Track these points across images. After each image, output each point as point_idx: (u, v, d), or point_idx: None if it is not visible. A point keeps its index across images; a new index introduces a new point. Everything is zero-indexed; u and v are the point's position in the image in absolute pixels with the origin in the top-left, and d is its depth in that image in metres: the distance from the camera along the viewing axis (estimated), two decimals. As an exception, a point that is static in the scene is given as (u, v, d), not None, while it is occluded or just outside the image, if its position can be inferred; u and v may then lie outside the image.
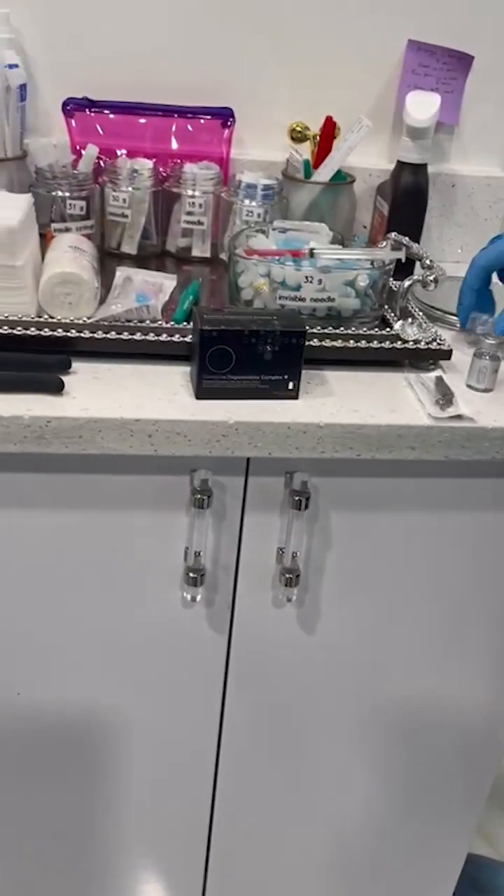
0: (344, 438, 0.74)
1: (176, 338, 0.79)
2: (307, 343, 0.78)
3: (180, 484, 0.77)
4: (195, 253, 1.04)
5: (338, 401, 0.77)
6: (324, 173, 1.01)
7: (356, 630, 0.89)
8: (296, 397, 0.76)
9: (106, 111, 1.05)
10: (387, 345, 0.83)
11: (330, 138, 1.02)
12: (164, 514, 0.79)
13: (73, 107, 1.04)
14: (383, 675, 0.93)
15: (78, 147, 1.04)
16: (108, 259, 0.99)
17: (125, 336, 0.78)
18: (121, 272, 0.91)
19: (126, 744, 0.93)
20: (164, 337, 0.79)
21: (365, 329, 0.85)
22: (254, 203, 0.99)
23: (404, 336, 0.84)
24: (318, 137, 1.04)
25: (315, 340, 0.81)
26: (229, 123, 1.07)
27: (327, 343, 0.82)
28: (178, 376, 0.77)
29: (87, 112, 1.05)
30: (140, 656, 0.87)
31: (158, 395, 0.74)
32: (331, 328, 0.84)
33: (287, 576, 0.82)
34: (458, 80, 1.12)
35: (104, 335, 0.78)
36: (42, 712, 0.89)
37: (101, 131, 1.05)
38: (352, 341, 0.82)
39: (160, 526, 0.80)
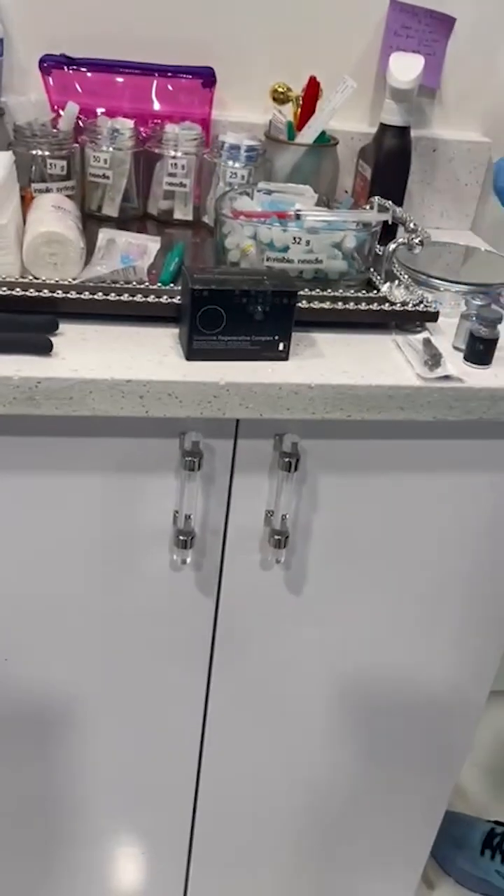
0: (334, 399, 0.74)
1: (164, 299, 0.78)
2: (298, 305, 0.77)
3: (170, 446, 0.77)
4: (177, 216, 1.02)
5: (327, 362, 0.77)
6: (307, 135, 1.00)
7: (342, 593, 0.90)
8: (286, 358, 0.76)
9: (84, 69, 1.02)
10: (375, 307, 0.83)
11: (313, 99, 1.01)
12: (153, 476, 0.79)
13: (50, 64, 1.01)
14: (367, 637, 0.94)
15: (56, 106, 1.01)
16: (89, 221, 0.97)
17: (112, 297, 0.77)
18: (104, 234, 0.89)
19: (111, 709, 0.93)
20: (151, 298, 0.78)
21: (352, 291, 0.85)
22: (237, 164, 0.98)
23: (392, 298, 0.84)
24: (301, 98, 1.03)
25: (304, 302, 0.81)
26: (211, 83, 1.06)
27: (316, 305, 0.81)
28: (167, 338, 0.77)
29: (65, 69, 1.02)
30: (128, 619, 0.87)
31: (148, 357, 0.74)
32: (318, 290, 0.83)
33: (276, 538, 0.82)
34: (439, 43, 1.11)
35: (91, 296, 0.77)
36: (27, 679, 0.89)
37: (79, 89, 1.03)
38: (340, 303, 0.82)
39: (150, 489, 0.79)
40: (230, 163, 0.98)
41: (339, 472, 0.82)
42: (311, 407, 0.74)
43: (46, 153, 0.92)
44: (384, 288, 0.86)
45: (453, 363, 0.79)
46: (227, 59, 1.05)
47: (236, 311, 0.72)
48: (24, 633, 0.86)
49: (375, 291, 0.85)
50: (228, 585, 0.87)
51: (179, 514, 0.80)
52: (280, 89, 1.05)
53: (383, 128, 1.04)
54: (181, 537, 0.80)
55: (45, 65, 1.01)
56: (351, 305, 0.82)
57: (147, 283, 0.80)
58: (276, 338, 0.75)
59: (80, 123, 0.98)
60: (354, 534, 0.87)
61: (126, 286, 0.79)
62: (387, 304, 0.83)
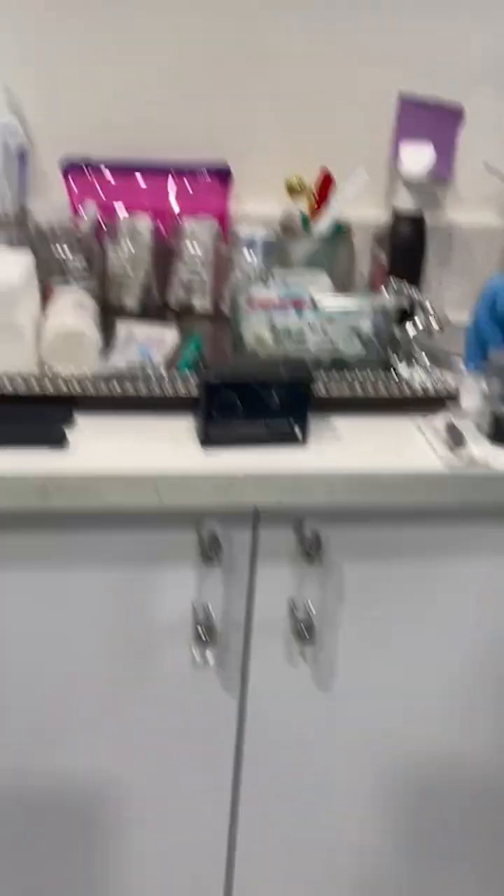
0: (355, 485, 0.72)
1: (179, 388, 0.78)
2: (316, 390, 0.77)
3: (187, 538, 0.75)
4: (196, 307, 1.03)
5: (347, 447, 0.75)
6: (321, 225, 1.01)
7: (373, 687, 0.85)
8: (304, 443, 0.75)
9: (104, 170, 1.06)
10: (394, 390, 0.82)
11: (327, 191, 1.03)
12: (171, 570, 0.76)
13: (71, 168, 1.06)
14: (402, 733, 0.89)
15: (77, 206, 1.05)
16: (109, 314, 0.99)
17: (128, 389, 0.77)
18: (122, 326, 0.91)
19: (134, 814, 0.88)
20: (167, 389, 0.78)
21: (371, 375, 0.84)
22: (253, 256, 0.99)
23: (411, 381, 0.83)
24: (314, 191, 1.05)
25: (322, 387, 0.80)
26: (227, 180, 1.09)
27: (334, 389, 0.80)
28: (183, 426, 0.76)
29: (86, 172, 1.06)
30: (148, 720, 0.83)
31: (164, 446, 0.73)
32: (336, 375, 0.83)
33: (300, 632, 0.79)
34: (449, 133, 1.14)
35: (107, 389, 0.77)
36: (46, 780, 0.84)
37: (100, 190, 1.06)
38: (358, 387, 0.81)
39: (167, 583, 0.77)
40: (246, 254, 1.00)
41: (364, 559, 0.79)
42: (332, 493, 0.72)
43: (68, 252, 0.94)
44: (403, 371, 0.85)
45: (478, 445, 0.76)
46: (242, 154, 1.09)
47: (252, 400, 0.72)
48: (43, 733, 0.82)
49: (395, 374, 0.84)
50: (253, 683, 0.83)
51: (199, 608, 0.77)
52: (295, 182, 1.08)
53: (397, 215, 1.06)
54: (201, 633, 0.77)
55: (67, 168, 1.05)
56: (370, 389, 0.81)
57: (163, 374, 0.80)
58: (293, 424, 0.74)
59: (101, 222, 1.01)
60: (384, 623, 0.83)
61: (142, 378, 0.79)
62: (406, 387, 0.82)
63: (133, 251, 1.00)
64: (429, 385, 0.82)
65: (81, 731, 0.82)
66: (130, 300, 1.02)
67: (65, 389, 0.76)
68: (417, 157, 1.04)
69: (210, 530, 0.74)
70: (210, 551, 0.74)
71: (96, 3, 1.03)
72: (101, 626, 0.78)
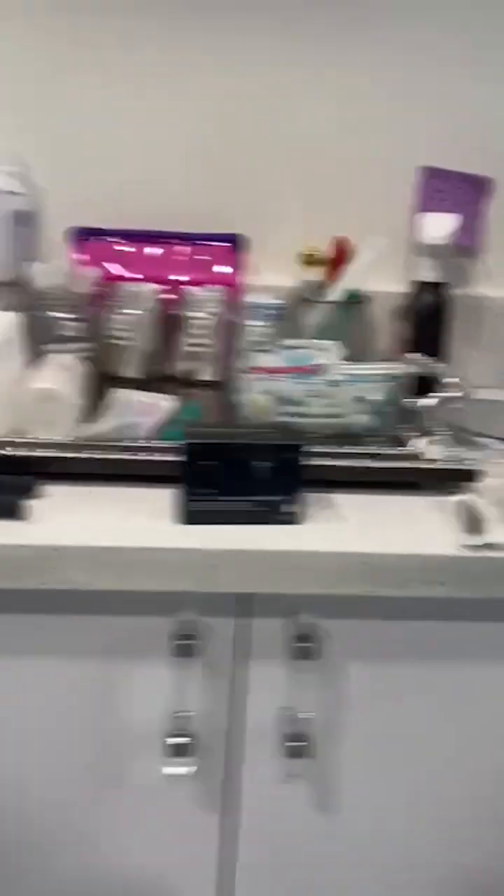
0: (357, 571, 0.63)
1: (162, 457, 0.70)
2: (315, 463, 0.69)
3: (161, 628, 0.66)
4: (201, 376, 0.97)
5: (348, 527, 0.66)
6: (336, 293, 0.95)
7: (378, 806, 0.73)
8: (298, 522, 0.66)
9: (112, 239, 1.03)
10: (405, 464, 0.73)
11: (342, 259, 0.97)
12: (142, 665, 0.67)
13: (78, 234, 1.03)
14: (414, 861, 0.75)
15: (81, 272, 1.01)
16: (109, 383, 0.93)
17: (106, 455, 0.70)
18: (116, 393, 0.85)
19: None
20: (146, 456, 0.70)
21: (379, 448, 0.75)
22: (260, 322, 0.93)
23: (425, 455, 0.74)
24: (329, 260, 1.00)
25: (323, 459, 0.71)
26: (239, 249, 1.04)
27: (337, 462, 0.72)
28: (163, 500, 0.68)
29: (93, 240, 1.03)
30: (119, 843, 0.71)
31: (139, 520, 0.65)
32: (342, 446, 0.74)
33: (293, 743, 0.67)
34: (475, 204, 1.08)
35: (79, 455, 0.69)
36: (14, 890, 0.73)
37: (107, 258, 1.03)
38: (365, 460, 0.72)
39: (137, 680, 0.67)
40: (252, 321, 0.94)
41: (367, 657, 0.69)
42: (329, 581, 0.63)
43: (62, 315, 0.89)
44: (417, 444, 0.76)
45: (501, 529, 0.66)
46: (256, 224, 1.05)
47: (237, 469, 0.63)
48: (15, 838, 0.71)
49: (406, 447, 0.76)
50: (239, 799, 0.71)
51: (174, 710, 0.67)
52: (309, 253, 1.02)
53: (418, 285, 0.99)
54: (177, 740, 0.67)
55: (74, 236, 1.02)
56: (377, 462, 0.72)
57: (147, 442, 0.72)
58: (285, 498, 0.65)
59: (103, 287, 0.96)
60: (391, 733, 0.71)
61: (122, 444, 0.71)
62: (420, 462, 0.73)
63: (136, 318, 0.95)
64: (446, 460, 0.73)
65: (49, 842, 0.71)
66: (131, 368, 0.96)
67: (34, 454, 0.69)
68: (439, 225, 0.99)
69: (188, 620, 0.64)
70: (187, 645, 0.64)
71: (113, 73, 1.02)
72: (64, 725, 0.68)
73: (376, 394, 0.77)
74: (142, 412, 0.79)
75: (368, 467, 0.72)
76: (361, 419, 0.76)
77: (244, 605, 0.66)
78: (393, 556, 0.63)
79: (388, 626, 0.68)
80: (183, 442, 0.63)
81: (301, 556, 0.62)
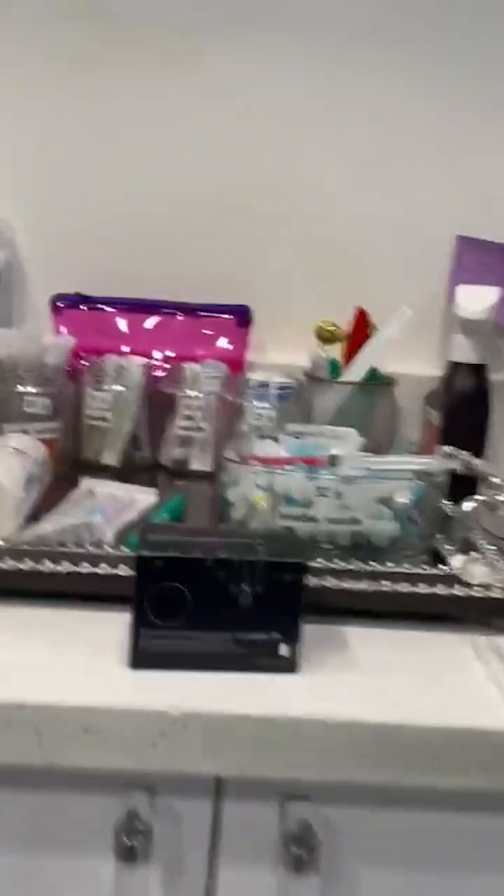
0: (371, 749, 0.44)
1: (115, 570, 0.53)
2: (320, 583, 0.51)
3: (99, 818, 0.47)
4: (194, 466, 0.81)
5: (362, 679, 0.48)
6: (355, 371, 0.80)
7: None
8: (292, 670, 0.48)
9: (102, 308, 0.90)
10: (441, 589, 0.55)
11: (362, 333, 0.83)
12: (76, 863, 0.48)
13: (62, 303, 0.90)
14: None
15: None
16: (84, 472, 0.78)
17: (42, 566, 0.53)
18: (85, 484, 0.69)
19: None
20: (102, 568, 0.53)
21: (408, 566, 0.58)
22: (265, 405, 0.78)
23: (467, 578, 0.56)
24: (348, 335, 0.85)
25: (330, 579, 0.54)
26: (245, 322, 0.91)
27: (349, 584, 0.54)
28: (114, 632, 0.50)
29: (80, 309, 0.90)
30: None
31: (73, 662, 0.47)
32: (357, 563, 0.57)
33: None
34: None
35: (11, 564, 0.53)
36: None
37: (95, 330, 0.89)
38: (387, 582, 0.55)
39: (70, 884, 0.48)
40: (256, 402, 0.78)
41: (382, 864, 0.49)
42: (331, 761, 0.44)
43: (28, 389, 0.75)
44: (455, 562, 0.58)
45: None
46: (262, 295, 0.91)
47: (210, 592, 0.46)
48: None
49: (443, 566, 0.58)
50: None
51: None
52: (327, 328, 0.88)
53: (453, 366, 0.83)
54: None
55: (57, 304, 0.90)
56: (405, 586, 0.55)
57: (103, 549, 0.56)
58: (276, 636, 0.47)
59: (82, 360, 0.82)
60: None
61: (73, 552, 0.55)
62: (459, 585, 0.55)
63: (118, 395, 0.80)
64: (493, 584, 0.55)
65: None
66: (110, 454, 0.81)
67: None
68: (479, 298, 0.84)
69: (135, 808, 0.46)
70: (134, 842, 0.46)
71: (107, 125, 0.92)
72: None
73: (403, 495, 0.60)
74: (113, 508, 0.63)
75: (392, 593, 0.54)
76: (384, 527, 0.59)
77: (218, 791, 0.47)
78: (421, 728, 0.44)
79: (408, 821, 0.48)
80: (138, 551, 0.46)
81: (293, 725, 0.44)
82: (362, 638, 0.52)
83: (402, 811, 0.48)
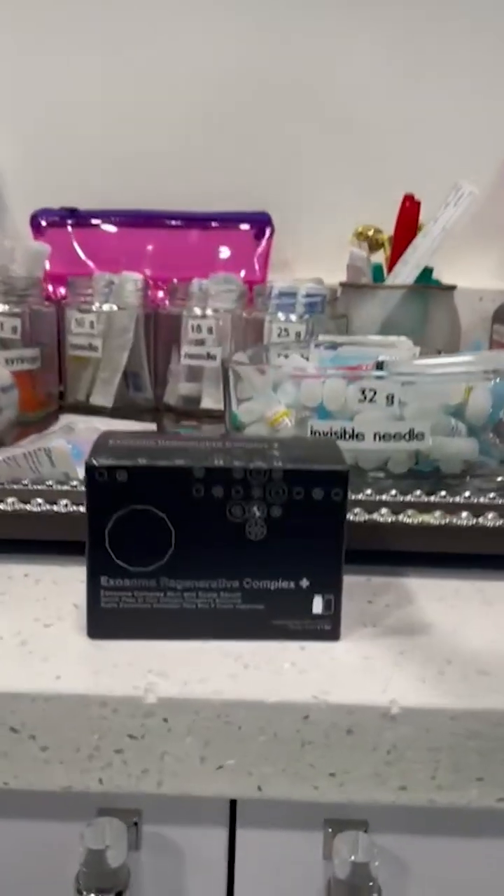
0: (458, 748, 0.28)
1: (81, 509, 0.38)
2: (370, 517, 0.36)
3: (61, 841, 0.32)
4: (206, 404, 0.66)
5: (434, 647, 0.32)
6: (405, 271, 0.63)
7: None
8: (332, 636, 0.32)
9: (94, 224, 0.75)
10: (545, 522, 0.38)
11: (412, 227, 0.66)
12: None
13: (47, 220, 0.75)
14: None
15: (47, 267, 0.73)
16: (68, 412, 0.63)
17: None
18: (64, 419, 0.55)
19: None
20: (63, 507, 0.38)
21: (492, 496, 0.41)
22: (292, 318, 0.62)
23: None
24: (392, 236, 0.68)
25: (385, 512, 0.38)
26: (264, 233, 0.75)
27: (411, 518, 0.38)
28: (80, 588, 0.35)
29: (66, 227, 0.75)
30: None
31: (9, 631, 0.32)
32: (421, 493, 0.41)
33: None
34: None
35: None
36: None
37: (86, 251, 0.74)
38: (466, 515, 0.39)
39: None
40: (280, 315, 0.62)
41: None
42: (394, 772, 0.28)
43: (-3, 311, 0.60)
44: None
45: None
46: (286, 205, 0.75)
47: (203, 520, 0.30)
48: None
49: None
50: None
51: None
52: (366, 232, 0.71)
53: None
54: None
55: (40, 221, 0.75)
56: (489, 519, 0.38)
57: (75, 484, 0.40)
58: (305, 584, 0.31)
59: (70, 279, 0.67)
60: None
61: (22, 488, 0.40)
62: None
63: (110, 319, 0.65)
64: None
65: None
66: (102, 393, 0.66)
67: None
68: None
69: (92, 847, 0.30)
70: (104, 888, 0.30)
71: (99, 19, 0.76)
72: None
73: (483, 397, 0.43)
74: (85, 444, 0.48)
75: (473, 528, 0.38)
76: (457, 445, 0.43)
77: (228, 813, 0.32)
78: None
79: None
80: (90, 461, 0.31)
81: (343, 717, 0.28)
82: (435, 592, 0.36)
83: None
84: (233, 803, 0.32)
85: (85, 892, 0.30)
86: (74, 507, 0.38)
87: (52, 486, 0.40)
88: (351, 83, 0.76)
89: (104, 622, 0.31)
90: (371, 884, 0.30)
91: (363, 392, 0.42)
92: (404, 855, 0.32)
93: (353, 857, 0.30)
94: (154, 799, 0.32)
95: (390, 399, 0.42)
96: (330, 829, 0.32)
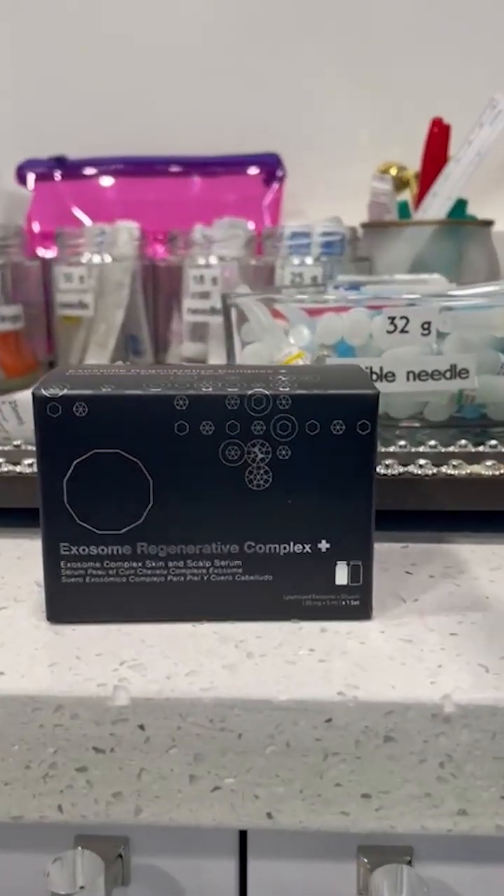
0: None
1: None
2: (406, 469, 0.29)
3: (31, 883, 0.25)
4: (213, 362, 0.59)
5: (502, 625, 0.24)
6: (436, 205, 0.55)
7: None
8: (362, 614, 0.24)
9: (87, 175, 0.68)
10: None
11: (442, 155, 0.58)
12: None
13: (34, 171, 0.68)
14: None
15: (37, 228, 0.66)
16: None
17: None
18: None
19: None
20: (29, 465, 0.32)
21: None
22: (307, 260, 0.55)
23: None
24: (419, 171, 0.60)
25: (424, 464, 0.31)
26: (276, 177, 0.67)
27: (457, 469, 0.31)
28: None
29: (55, 179, 0.68)
30: None
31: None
32: (466, 443, 0.34)
33: None
34: None
35: None
36: None
37: (78, 205, 0.68)
38: (525, 462, 0.31)
39: None
40: (294, 259, 0.55)
41: None
42: (453, 795, 0.21)
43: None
44: None
45: None
46: (298, 145, 0.68)
47: (190, 466, 0.23)
48: None
49: None
50: None
51: None
52: (390, 171, 0.63)
53: None
54: None
55: (26, 172, 0.68)
56: None
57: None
58: (325, 548, 0.24)
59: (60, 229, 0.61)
60: None
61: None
62: None
63: (103, 272, 0.58)
64: None
65: None
66: (97, 355, 0.59)
67: None
68: None
69: (58, 890, 0.23)
70: None
71: None
72: None
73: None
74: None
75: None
76: (500, 383, 0.35)
77: (237, 844, 0.25)
78: None
79: None
80: (38, 392, 0.24)
81: (380, 717, 0.21)
82: (485, 558, 0.29)
83: None
84: (243, 830, 0.26)
85: None
86: (24, 466, 0.31)
87: (20, 446, 0.34)
88: (367, 4, 0.68)
89: (66, 602, 0.24)
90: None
91: (392, 322, 0.35)
92: (457, 887, 0.25)
93: (396, 901, 0.23)
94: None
95: (426, 328, 0.34)
96: (366, 860, 0.25)
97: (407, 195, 0.63)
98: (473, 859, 0.25)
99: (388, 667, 0.22)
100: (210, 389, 0.23)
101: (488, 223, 0.57)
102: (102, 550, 0.24)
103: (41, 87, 0.71)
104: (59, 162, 0.68)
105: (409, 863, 0.25)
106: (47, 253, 0.64)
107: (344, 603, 0.24)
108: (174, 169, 0.68)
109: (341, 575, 0.24)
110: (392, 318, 0.35)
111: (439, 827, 0.21)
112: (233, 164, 0.68)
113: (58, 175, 0.68)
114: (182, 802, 0.21)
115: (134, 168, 0.68)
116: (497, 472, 0.31)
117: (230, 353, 0.41)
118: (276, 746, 0.21)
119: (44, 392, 0.23)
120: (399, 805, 0.21)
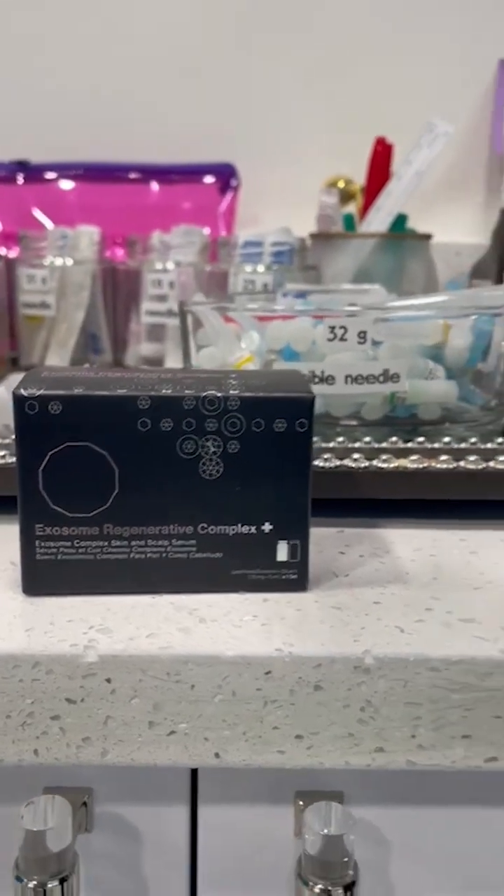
0: (441, 703, 0.25)
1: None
2: (341, 463, 0.32)
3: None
4: (170, 364, 0.62)
5: (417, 594, 0.28)
6: (379, 218, 0.60)
7: None
8: (299, 586, 0.28)
9: (47, 178, 0.71)
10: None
11: (384, 171, 0.62)
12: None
13: (-5, 173, 0.70)
14: None
15: None
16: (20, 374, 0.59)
17: None
18: (13, 378, 0.51)
19: None
20: (2, 457, 0.35)
21: (474, 441, 0.38)
22: (259, 268, 0.58)
23: None
24: (363, 185, 0.65)
25: (358, 458, 0.35)
26: (229, 186, 0.71)
27: (386, 463, 0.35)
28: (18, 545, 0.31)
29: (16, 182, 0.70)
30: None
31: None
32: (397, 439, 0.38)
33: None
34: None
35: None
36: None
37: (39, 208, 0.70)
38: (445, 458, 0.35)
39: None
40: (247, 267, 0.59)
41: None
42: (371, 735, 0.25)
43: None
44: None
45: None
46: (252, 155, 0.72)
47: (151, 458, 0.27)
48: None
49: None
50: None
51: None
52: (338, 184, 0.68)
53: (506, 214, 0.63)
54: None
55: (-12, 175, 0.70)
56: (471, 462, 0.35)
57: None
58: (268, 528, 0.28)
59: (23, 234, 0.63)
60: None
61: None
62: None
63: (64, 274, 0.61)
64: None
65: None
66: (58, 355, 0.62)
67: None
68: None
69: (42, 822, 0.27)
70: (45, 877, 0.27)
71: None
72: None
73: (462, 335, 0.40)
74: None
75: (448, 471, 0.35)
76: (436, 388, 0.40)
77: (189, 786, 0.29)
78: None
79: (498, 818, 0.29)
80: (17, 391, 0.27)
81: (313, 674, 0.25)
82: (409, 540, 0.33)
83: (487, 807, 0.29)
84: (194, 778, 0.29)
85: (25, 879, 0.27)
86: (13, 459, 0.34)
87: (-6, 438, 0.37)
88: (322, 22, 0.72)
89: (41, 576, 0.27)
90: (346, 859, 0.27)
91: (332, 330, 0.39)
92: (383, 826, 0.29)
93: (325, 831, 0.27)
94: (106, 775, 0.29)
95: (362, 336, 0.39)
96: (301, 802, 0.29)
97: (353, 208, 0.67)
98: (396, 801, 0.29)
99: (319, 629, 0.26)
100: (169, 391, 0.27)
101: (427, 237, 0.62)
102: (73, 531, 0.27)
103: (4, 93, 0.73)
104: (22, 165, 0.71)
105: (341, 802, 0.29)
106: (10, 253, 0.67)
107: (284, 577, 0.28)
108: (133, 175, 0.71)
109: (282, 552, 0.28)
110: (332, 328, 0.39)
111: (360, 762, 0.25)
112: (189, 173, 0.71)
113: (20, 178, 0.70)
114: (142, 745, 0.25)
115: (94, 173, 0.71)
116: (421, 466, 0.35)
117: (186, 354, 0.45)
118: (224, 696, 0.25)
119: (22, 392, 0.26)
120: (326, 744, 0.25)
